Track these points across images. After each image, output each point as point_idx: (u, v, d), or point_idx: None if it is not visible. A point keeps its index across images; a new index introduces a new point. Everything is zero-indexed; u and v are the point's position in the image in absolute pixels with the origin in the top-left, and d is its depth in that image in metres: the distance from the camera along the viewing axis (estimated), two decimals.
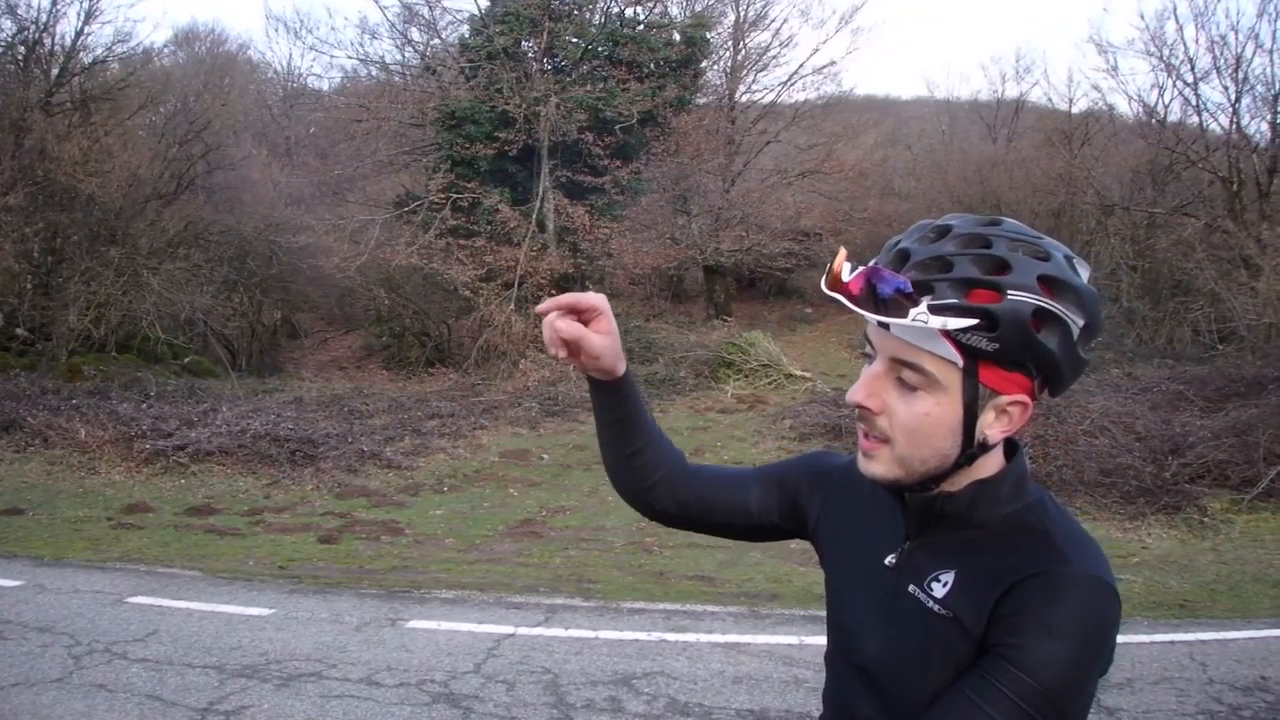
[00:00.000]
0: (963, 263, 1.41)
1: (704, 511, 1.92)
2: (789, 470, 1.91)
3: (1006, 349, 1.39)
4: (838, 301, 1.45)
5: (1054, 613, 1.37)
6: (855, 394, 1.51)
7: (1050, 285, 1.40)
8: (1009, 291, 1.38)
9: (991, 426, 1.47)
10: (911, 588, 1.55)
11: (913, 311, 1.38)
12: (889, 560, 1.61)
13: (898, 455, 1.50)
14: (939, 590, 1.51)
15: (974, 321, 1.37)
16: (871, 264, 1.44)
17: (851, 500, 1.76)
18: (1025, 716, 1.34)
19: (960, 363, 1.42)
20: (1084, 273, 1.45)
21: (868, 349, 1.52)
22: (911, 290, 1.39)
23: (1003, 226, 1.47)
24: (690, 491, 1.91)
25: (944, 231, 1.46)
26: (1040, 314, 1.39)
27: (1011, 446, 1.57)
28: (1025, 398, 1.46)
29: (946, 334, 1.39)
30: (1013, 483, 1.53)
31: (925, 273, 1.41)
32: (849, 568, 1.72)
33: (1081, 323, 1.42)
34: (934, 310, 1.38)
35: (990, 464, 1.53)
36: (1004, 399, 1.45)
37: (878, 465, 1.53)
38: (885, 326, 1.43)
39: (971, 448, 1.48)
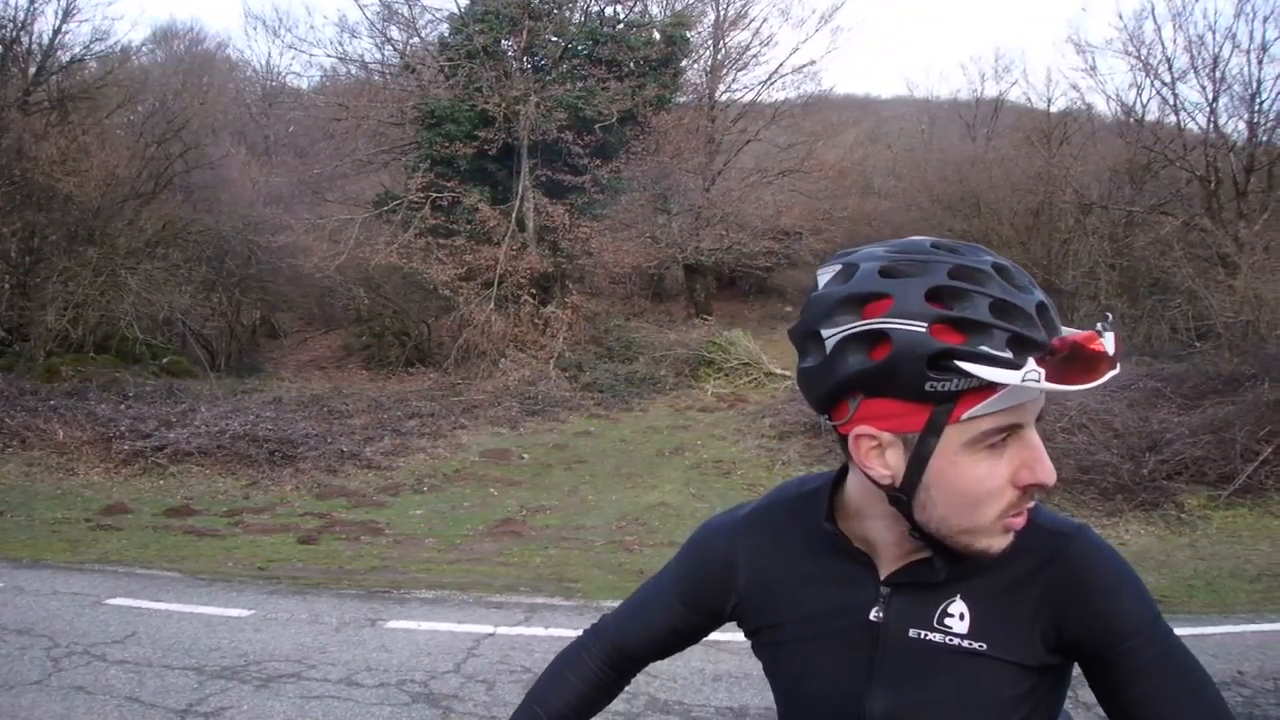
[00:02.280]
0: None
1: (661, 656, 1.83)
2: (692, 594, 1.72)
3: None
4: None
5: (1101, 582, 1.42)
6: (1052, 474, 1.33)
7: None
8: None
9: None
10: (914, 632, 1.46)
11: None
12: (874, 615, 1.49)
13: None
14: (958, 624, 1.45)
15: None
16: (1098, 329, 1.26)
17: (773, 578, 1.61)
18: (1167, 646, 1.41)
19: None
20: None
21: (1003, 435, 1.32)
22: None
23: None
24: (629, 659, 1.83)
25: (1007, 270, 1.32)
26: None
27: None
28: None
29: None
30: None
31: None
32: (803, 639, 1.57)
33: None
34: None
35: None
36: None
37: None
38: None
39: None
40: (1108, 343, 1.24)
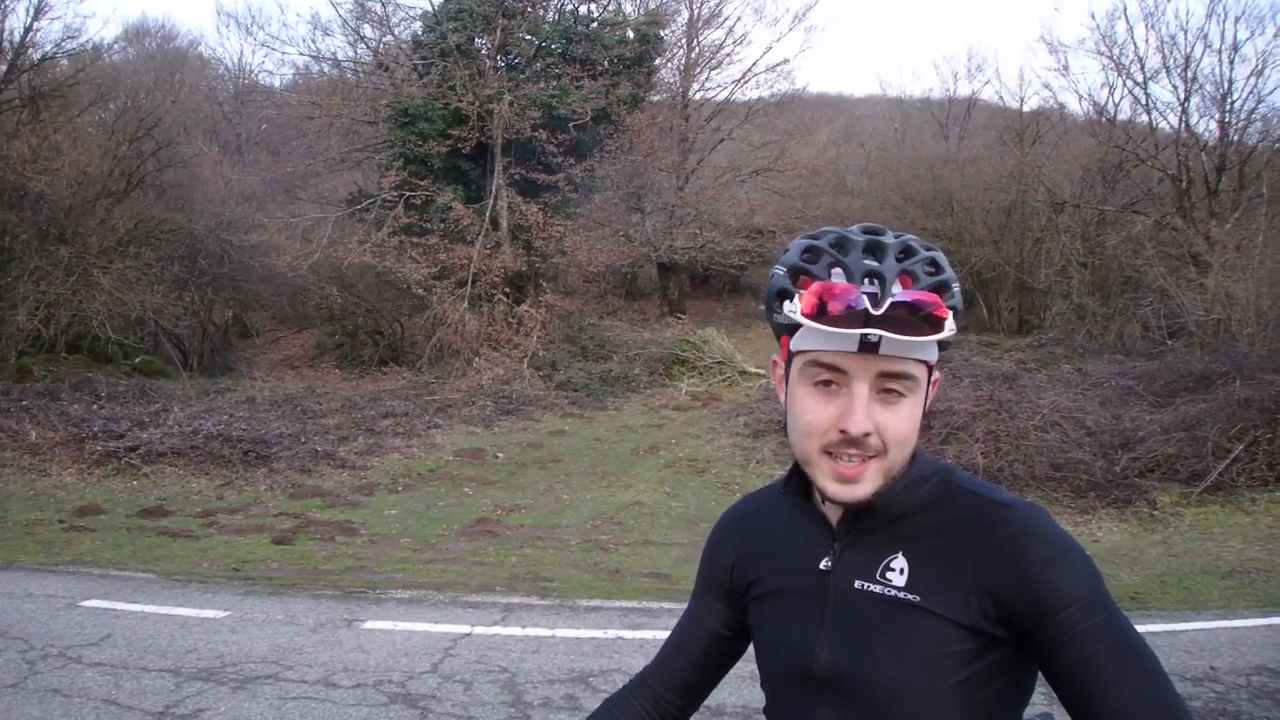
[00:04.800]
0: (948, 269, 1.50)
1: (707, 683, 1.92)
2: (709, 577, 1.87)
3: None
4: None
5: (1039, 552, 1.47)
6: (860, 425, 1.46)
7: None
8: (954, 286, 1.49)
9: None
10: (859, 583, 1.57)
11: (948, 323, 1.43)
12: (824, 564, 1.61)
13: (885, 467, 1.51)
14: (897, 578, 1.54)
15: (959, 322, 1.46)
16: (906, 294, 1.43)
17: (758, 538, 1.78)
18: (1103, 613, 1.43)
19: (934, 360, 1.51)
20: None
21: (825, 376, 1.50)
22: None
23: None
24: (677, 694, 1.90)
25: (879, 245, 1.51)
26: None
27: None
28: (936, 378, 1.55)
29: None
30: (922, 459, 1.58)
31: (934, 285, 1.47)
32: (777, 590, 1.70)
33: None
34: (955, 318, 1.45)
35: None
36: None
37: (866, 485, 1.51)
38: (943, 345, 1.49)
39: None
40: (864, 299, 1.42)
